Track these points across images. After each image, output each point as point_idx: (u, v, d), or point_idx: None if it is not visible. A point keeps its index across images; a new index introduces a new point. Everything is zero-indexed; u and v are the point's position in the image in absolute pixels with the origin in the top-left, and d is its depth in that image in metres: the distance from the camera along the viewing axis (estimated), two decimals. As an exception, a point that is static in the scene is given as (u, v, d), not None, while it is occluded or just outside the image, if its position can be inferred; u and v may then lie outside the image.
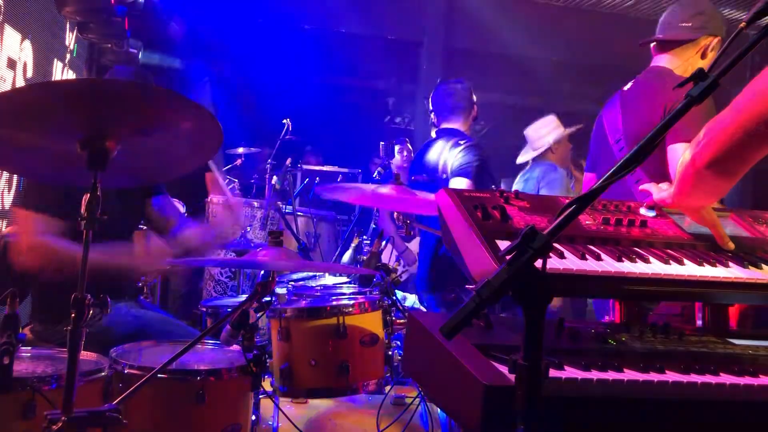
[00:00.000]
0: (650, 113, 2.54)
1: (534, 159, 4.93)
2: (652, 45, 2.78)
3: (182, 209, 4.01)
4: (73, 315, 1.60)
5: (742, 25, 1.11)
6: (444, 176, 3.73)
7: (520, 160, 5.09)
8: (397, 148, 5.16)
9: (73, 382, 1.58)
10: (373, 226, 5.63)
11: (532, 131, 4.98)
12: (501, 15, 7.81)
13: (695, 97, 1.07)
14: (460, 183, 3.62)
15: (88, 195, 1.65)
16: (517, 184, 4.86)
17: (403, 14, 7.90)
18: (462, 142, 3.78)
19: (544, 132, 4.90)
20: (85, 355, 2.10)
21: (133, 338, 2.49)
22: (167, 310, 4.29)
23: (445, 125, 4.00)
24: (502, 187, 4.44)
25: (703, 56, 2.67)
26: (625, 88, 2.78)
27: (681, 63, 2.68)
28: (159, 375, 1.96)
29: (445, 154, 3.79)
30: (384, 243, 4.31)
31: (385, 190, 2.99)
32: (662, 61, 2.73)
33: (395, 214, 4.27)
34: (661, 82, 2.62)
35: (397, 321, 2.73)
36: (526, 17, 7.97)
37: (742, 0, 7.06)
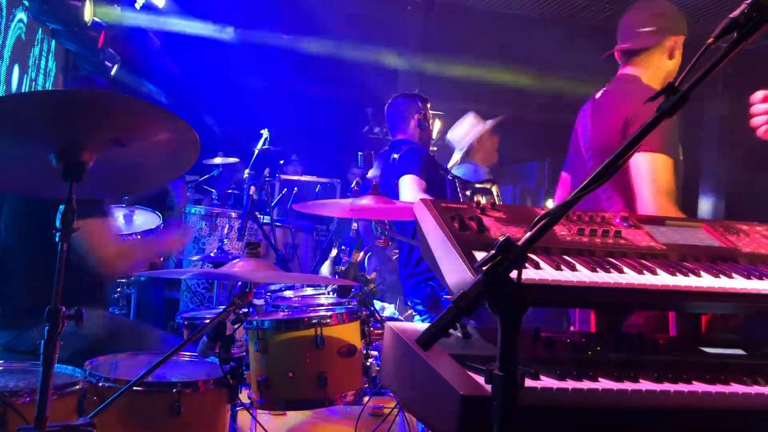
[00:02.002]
0: (613, 122, 2.52)
1: (461, 159, 4.92)
2: (616, 53, 2.76)
3: (159, 220, 3.97)
4: (47, 327, 1.58)
5: (711, 40, 1.14)
6: (394, 181, 3.83)
7: (450, 164, 5.07)
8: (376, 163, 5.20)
9: (46, 396, 1.56)
10: (351, 236, 5.63)
11: (453, 134, 4.96)
12: (477, 27, 7.88)
13: (666, 110, 1.09)
14: (406, 180, 3.74)
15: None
16: None
17: (381, 25, 7.93)
18: (403, 147, 3.98)
19: (463, 132, 4.84)
20: (60, 368, 2.08)
21: (104, 345, 2.47)
22: (141, 319, 4.25)
23: (396, 138, 4.21)
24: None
25: (671, 57, 2.64)
26: (597, 95, 2.75)
27: (648, 68, 2.64)
28: (135, 387, 1.94)
29: (392, 162, 3.98)
30: (362, 253, 4.31)
31: (363, 201, 3.00)
32: (629, 68, 2.69)
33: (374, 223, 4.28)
34: (627, 90, 2.60)
35: (375, 331, 2.73)
36: (502, 29, 8.04)
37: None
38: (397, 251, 4.51)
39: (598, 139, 2.62)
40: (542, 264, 1.49)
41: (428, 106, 4.21)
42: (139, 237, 3.38)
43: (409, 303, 4.05)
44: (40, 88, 4.97)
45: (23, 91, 4.58)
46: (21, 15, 4.62)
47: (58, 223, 1.63)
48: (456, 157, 4.94)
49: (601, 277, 1.47)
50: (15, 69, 4.48)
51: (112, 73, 5.68)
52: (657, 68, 2.64)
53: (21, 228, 2.71)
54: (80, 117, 1.66)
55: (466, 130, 4.82)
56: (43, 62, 5.15)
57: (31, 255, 2.65)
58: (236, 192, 6.93)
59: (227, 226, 4.99)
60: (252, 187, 4.44)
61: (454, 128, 4.93)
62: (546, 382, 1.30)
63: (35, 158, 1.71)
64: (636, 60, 2.68)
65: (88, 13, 4.97)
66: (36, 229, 2.49)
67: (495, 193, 3.86)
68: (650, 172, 2.34)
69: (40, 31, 5.02)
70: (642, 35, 2.65)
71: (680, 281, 1.52)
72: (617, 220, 1.78)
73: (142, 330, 2.85)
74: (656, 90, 1.13)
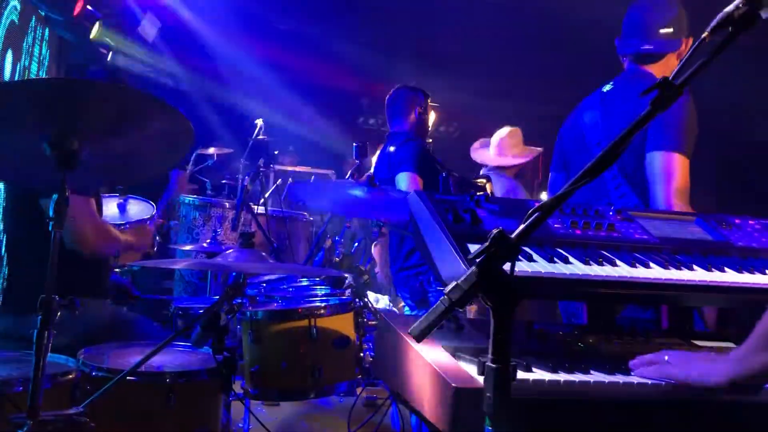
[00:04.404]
0: (632, 115, 2.50)
1: (490, 168, 5.02)
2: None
3: (153, 210, 3.96)
4: (39, 317, 1.58)
5: (705, 34, 1.14)
6: (390, 173, 3.82)
7: (479, 158, 5.15)
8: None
9: (38, 385, 1.56)
10: (346, 227, 5.63)
11: (499, 145, 5.03)
12: (473, 17, 7.85)
13: (659, 105, 1.10)
14: (403, 177, 3.73)
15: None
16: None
17: (376, 15, 7.90)
18: (401, 140, 3.95)
19: (510, 152, 4.97)
20: (53, 357, 2.07)
21: (103, 334, 2.47)
22: (135, 311, 4.24)
23: (393, 129, 4.18)
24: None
25: (679, 57, 2.61)
26: (605, 89, 2.72)
27: (660, 68, 2.62)
28: (128, 377, 1.94)
29: (388, 155, 3.95)
30: (356, 244, 4.32)
31: (359, 192, 3.00)
32: (641, 66, 2.66)
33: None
34: (644, 84, 2.57)
35: (369, 323, 2.74)
36: (500, 21, 8.02)
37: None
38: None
39: (614, 131, 2.59)
40: (535, 257, 1.49)
41: (429, 100, 4.21)
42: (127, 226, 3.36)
43: (399, 296, 4.06)
44: (33, 76, 4.94)
45: (16, 78, 4.55)
46: (14, 2, 4.58)
47: (50, 212, 1.63)
48: (488, 159, 5.01)
49: (594, 270, 1.48)
50: (8, 56, 4.45)
51: (108, 59, 5.65)
52: (667, 68, 2.61)
53: (24, 214, 2.73)
54: (73, 106, 1.65)
55: (514, 151, 4.97)
56: (36, 49, 5.12)
57: (39, 241, 2.66)
58: (230, 182, 6.91)
59: (221, 216, 4.98)
60: (246, 178, 4.43)
61: (503, 137, 5.02)
62: (538, 374, 1.30)
63: (28, 147, 1.70)
64: (652, 63, 2.64)
65: (78, 7, 4.97)
66: (43, 216, 2.51)
67: (489, 191, 3.86)
68: (668, 171, 2.34)
69: (33, 18, 4.99)
70: (663, 37, 2.61)
71: (673, 275, 1.53)
72: (611, 214, 1.78)
73: (142, 322, 2.85)
74: None
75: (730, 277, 1.57)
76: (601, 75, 2.81)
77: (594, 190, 2.53)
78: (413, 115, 4.10)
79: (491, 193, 3.91)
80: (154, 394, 2.06)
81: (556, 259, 1.49)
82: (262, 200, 4.87)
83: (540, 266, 1.45)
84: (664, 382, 1.34)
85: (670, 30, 2.61)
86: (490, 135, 5.24)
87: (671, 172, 2.34)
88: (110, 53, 5.65)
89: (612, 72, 2.78)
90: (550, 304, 3.58)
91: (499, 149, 5.02)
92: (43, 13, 5.04)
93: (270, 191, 6.10)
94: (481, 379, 1.09)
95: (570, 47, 7.32)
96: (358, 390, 2.63)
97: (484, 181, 3.89)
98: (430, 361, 1.31)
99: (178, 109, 1.70)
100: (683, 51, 2.62)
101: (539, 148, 5.09)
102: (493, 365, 1.06)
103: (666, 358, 1.38)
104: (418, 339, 1.08)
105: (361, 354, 2.62)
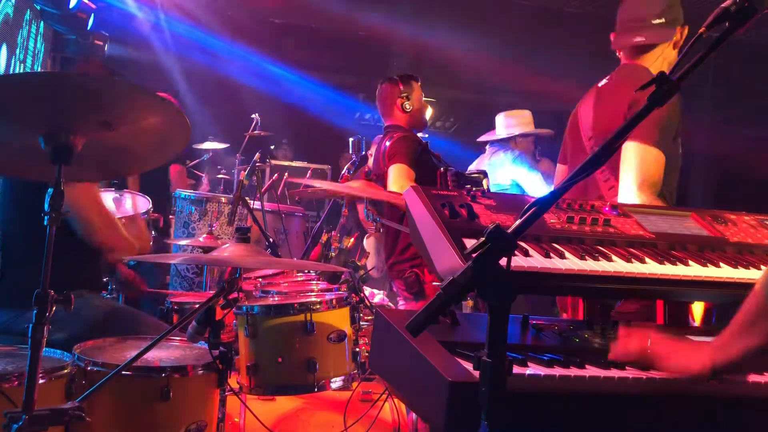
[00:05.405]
0: (617, 108, 2.49)
1: (497, 143, 5.07)
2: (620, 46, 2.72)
3: (149, 204, 3.96)
4: (35, 311, 1.58)
5: (702, 30, 1.14)
6: (384, 168, 3.80)
7: (483, 138, 5.24)
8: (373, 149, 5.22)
9: (34, 380, 1.56)
10: (342, 222, 5.62)
11: (504, 118, 5.11)
12: (470, 14, 7.85)
13: (656, 100, 1.10)
14: (395, 169, 3.71)
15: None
16: (483, 166, 5.02)
17: (373, 10, 7.89)
18: (394, 135, 3.91)
19: (515, 122, 5.06)
20: (48, 352, 2.07)
21: (101, 328, 2.47)
22: (131, 305, 4.24)
23: (386, 123, 4.14)
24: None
25: (675, 47, 2.61)
26: (600, 83, 2.72)
27: (656, 60, 2.61)
28: (123, 372, 1.93)
29: (384, 149, 3.92)
30: (352, 239, 4.31)
31: (356, 185, 3.00)
32: (636, 60, 2.66)
33: (366, 210, 4.29)
34: (633, 77, 2.55)
35: (365, 317, 2.74)
36: (495, 18, 8.01)
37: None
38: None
39: (602, 125, 2.59)
40: (531, 251, 1.49)
41: (414, 84, 4.12)
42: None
43: (394, 289, 4.06)
44: (28, 70, 4.92)
45: (11, 72, 4.54)
46: (9, -4, 4.56)
47: (46, 207, 1.62)
48: (492, 136, 5.15)
49: (589, 265, 1.48)
50: (3, 50, 4.43)
51: (105, 49, 5.64)
52: (663, 59, 2.61)
53: (23, 207, 2.72)
54: (68, 100, 1.64)
55: (518, 121, 5.07)
56: (31, 44, 5.10)
57: (36, 236, 2.66)
58: (226, 177, 6.91)
59: (217, 211, 4.97)
60: (242, 172, 4.41)
61: (509, 113, 5.14)
62: (534, 368, 1.31)
63: (23, 141, 1.70)
64: (646, 54, 2.63)
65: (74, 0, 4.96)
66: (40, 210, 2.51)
67: (485, 186, 3.86)
68: (638, 161, 2.33)
69: (28, 12, 4.97)
70: (655, 28, 2.59)
71: (668, 270, 1.53)
72: (607, 209, 1.79)
73: (140, 316, 2.85)
74: None
75: (725, 272, 1.57)
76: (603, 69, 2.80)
77: (585, 180, 2.54)
78: (397, 107, 4.05)
79: (487, 188, 3.91)
80: (150, 388, 2.05)
81: (552, 254, 1.49)
82: (258, 195, 4.85)
83: (536, 261, 1.45)
84: (658, 377, 1.34)
85: (663, 20, 2.60)
86: (487, 132, 5.28)
87: (643, 162, 2.33)
88: (106, 45, 5.63)
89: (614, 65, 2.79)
90: (546, 298, 3.58)
91: (507, 126, 5.09)
92: (38, 7, 5.02)
93: (266, 186, 6.09)
94: (476, 374, 1.09)
95: (570, 44, 7.32)
96: (354, 384, 2.62)
97: (481, 176, 3.89)
98: (425, 356, 1.31)
99: (174, 102, 1.70)
100: (678, 40, 2.62)
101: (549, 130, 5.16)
102: (489, 360, 1.06)
103: (649, 342, 1.38)
104: (414, 333, 1.08)
105: (357, 348, 2.63)
